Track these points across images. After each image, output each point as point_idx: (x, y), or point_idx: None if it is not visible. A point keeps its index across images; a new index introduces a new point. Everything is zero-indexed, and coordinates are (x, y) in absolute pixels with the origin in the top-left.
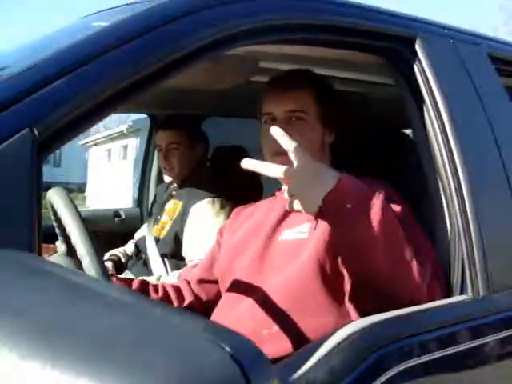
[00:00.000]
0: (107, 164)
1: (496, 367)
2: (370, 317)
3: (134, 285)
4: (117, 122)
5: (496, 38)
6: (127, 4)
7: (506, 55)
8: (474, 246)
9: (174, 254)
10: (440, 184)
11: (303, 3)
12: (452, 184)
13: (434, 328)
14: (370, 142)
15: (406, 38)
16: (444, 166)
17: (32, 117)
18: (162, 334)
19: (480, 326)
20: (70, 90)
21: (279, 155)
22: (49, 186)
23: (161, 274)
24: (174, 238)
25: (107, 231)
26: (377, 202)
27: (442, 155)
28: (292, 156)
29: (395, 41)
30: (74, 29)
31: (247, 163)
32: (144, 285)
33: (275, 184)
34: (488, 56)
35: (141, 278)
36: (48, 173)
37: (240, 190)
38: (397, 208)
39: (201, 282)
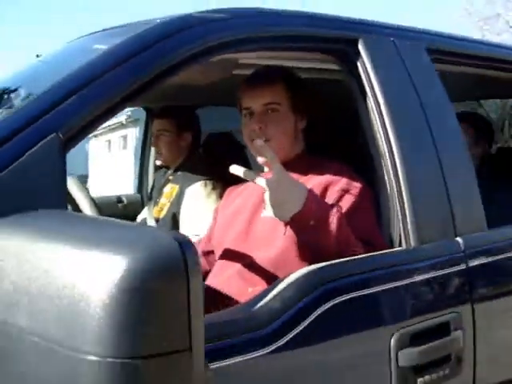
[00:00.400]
0: (108, 155)
1: (421, 301)
2: (321, 263)
3: None
4: None
5: (435, 31)
6: (121, 26)
7: (443, 47)
8: (407, 208)
9: None
10: (382, 160)
11: (262, 18)
12: (388, 159)
13: (370, 270)
14: (339, 126)
15: (349, 39)
16: (382, 143)
17: (57, 124)
18: (140, 233)
19: (410, 270)
20: (83, 102)
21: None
22: None
23: None
24: (172, 217)
25: (111, 215)
26: (333, 220)
27: (380, 136)
28: (271, 166)
29: (341, 43)
30: (80, 50)
31: (235, 169)
32: None
33: (261, 168)
34: (426, 49)
35: None
36: None
37: (230, 173)
38: (353, 200)
39: (204, 253)
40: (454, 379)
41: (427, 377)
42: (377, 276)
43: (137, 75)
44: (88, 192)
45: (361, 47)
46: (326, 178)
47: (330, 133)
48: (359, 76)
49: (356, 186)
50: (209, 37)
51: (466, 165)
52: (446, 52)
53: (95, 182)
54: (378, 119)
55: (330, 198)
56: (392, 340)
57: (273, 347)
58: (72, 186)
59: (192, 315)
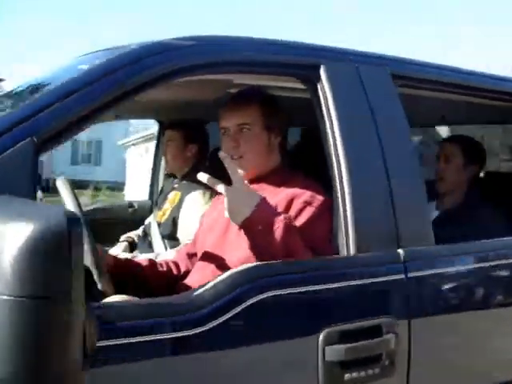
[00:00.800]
0: (144, 163)
1: (352, 304)
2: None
3: (145, 262)
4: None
5: (401, 58)
6: (106, 49)
7: (409, 73)
8: (349, 219)
9: (171, 236)
10: (333, 175)
11: (227, 45)
12: (337, 175)
13: (303, 271)
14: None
15: (311, 65)
16: (333, 160)
17: (32, 130)
18: (44, 210)
19: (343, 274)
20: (56, 113)
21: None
22: (87, 185)
23: (159, 251)
24: (173, 222)
25: (121, 219)
26: (279, 226)
27: (332, 152)
28: (231, 177)
29: (302, 68)
30: (70, 68)
31: (201, 176)
32: (153, 262)
33: None
34: (391, 75)
35: (144, 255)
36: (89, 172)
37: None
38: (313, 211)
39: (188, 255)
40: (386, 379)
41: (355, 373)
42: (308, 277)
43: (105, 93)
44: (73, 192)
45: (322, 72)
46: (293, 190)
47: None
48: (319, 99)
49: (318, 199)
50: (176, 61)
51: (416, 184)
52: (411, 78)
53: (131, 188)
54: (330, 138)
55: (294, 209)
56: (320, 336)
57: (201, 329)
58: (61, 186)
59: (73, 270)
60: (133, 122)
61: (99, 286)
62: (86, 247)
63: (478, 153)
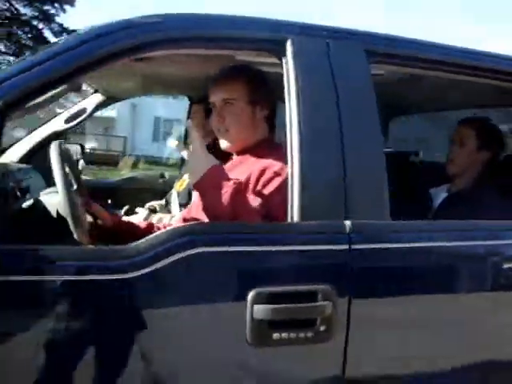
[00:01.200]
0: None
1: (286, 268)
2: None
3: (143, 225)
4: None
5: (378, 34)
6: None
7: (384, 49)
8: (295, 188)
9: (187, 205)
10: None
11: (191, 22)
12: (289, 145)
13: (236, 232)
14: None
15: (277, 40)
16: (287, 129)
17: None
18: None
19: (278, 239)
20: (22, 81)
21: (217, 131)
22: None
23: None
24: (189, 191)
25: (151, 188)
26: (228, 191)
27: (287, 122)
28: (192, 144)
29: (270, 43)
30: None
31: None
32: (151, 225)
33: None
34: (365, 51)
35: (160, 214)
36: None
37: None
38: (280, 181)
39: (185, 220)
40: (321, 344)
41: (284, 334)
42: (244, 238)
43: (67, 65)
44: (63, 158)
45: (288, 47)
46: (269, 161)
47: None
48: (283, 74)
49: (275, 173)
50: (139, 36)
51: (375, 161)
52: (387, 54)
53: None
54: (287, 108)
55: (264, 178)
56: (249, 294)
57: (129, 275)
58: (52, 150)
59: None
60: None
61: (75, 236)
62: (64, 200)
63: (493, 137)
